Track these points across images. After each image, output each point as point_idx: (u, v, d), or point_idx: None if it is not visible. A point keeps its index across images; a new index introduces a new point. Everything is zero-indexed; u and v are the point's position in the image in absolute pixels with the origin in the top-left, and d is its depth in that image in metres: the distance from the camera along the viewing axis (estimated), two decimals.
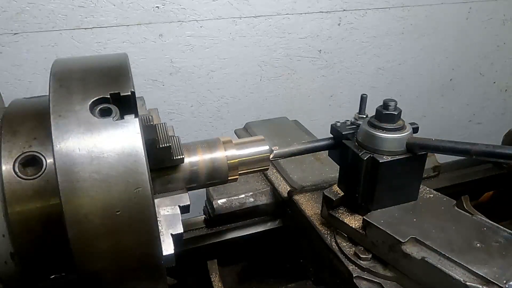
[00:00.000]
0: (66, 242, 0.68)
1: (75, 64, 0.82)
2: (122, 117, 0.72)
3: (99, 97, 0.73)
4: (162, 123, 0.91)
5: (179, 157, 0.92)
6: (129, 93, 0.74)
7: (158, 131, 0.88)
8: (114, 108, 0.73)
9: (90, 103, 0.72)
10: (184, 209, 0.93)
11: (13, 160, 0.77)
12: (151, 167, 0.74)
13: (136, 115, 0.73)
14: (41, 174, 0.77)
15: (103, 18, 1.75)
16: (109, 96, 0.74)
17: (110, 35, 1.79)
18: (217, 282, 1.28)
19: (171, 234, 0.84)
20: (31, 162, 0.78)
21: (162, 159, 0.91)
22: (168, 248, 0.80)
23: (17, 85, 1.75)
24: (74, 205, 0.67)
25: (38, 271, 0.82)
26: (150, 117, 0.91)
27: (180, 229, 0.85)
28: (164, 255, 0.77)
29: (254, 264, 1.50)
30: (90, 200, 0.68)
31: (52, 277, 0.84)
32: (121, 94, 0.74)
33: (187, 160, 0.97)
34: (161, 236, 0.77)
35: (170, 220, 0.87)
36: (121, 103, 0.74)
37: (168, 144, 0.89)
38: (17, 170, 0.77)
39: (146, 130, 0.86)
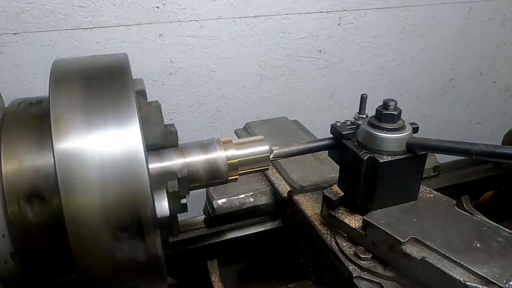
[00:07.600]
0: (66, 242, 0.68)
1: (75, 64, 0.82)
2: None
3: None
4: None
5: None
6: None
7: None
8: None
9: None
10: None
11: None
12: None
13: None
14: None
15: (103, 18, 1.75)
16: None
17: (110, 35, 1.79)
18: (217, 282, 1.28)
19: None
20: None
21: None
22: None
23: (17, 85, 1.75)
24: (74, 205, 0.67)
25: (38, 271, 0.81)
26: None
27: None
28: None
29: (254, 264, 1.50)
30: (90, 200, 0.68)
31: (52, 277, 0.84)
32: None
33: (187, 160, 0.97)
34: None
35: None
36: None
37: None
38: None
39: None
